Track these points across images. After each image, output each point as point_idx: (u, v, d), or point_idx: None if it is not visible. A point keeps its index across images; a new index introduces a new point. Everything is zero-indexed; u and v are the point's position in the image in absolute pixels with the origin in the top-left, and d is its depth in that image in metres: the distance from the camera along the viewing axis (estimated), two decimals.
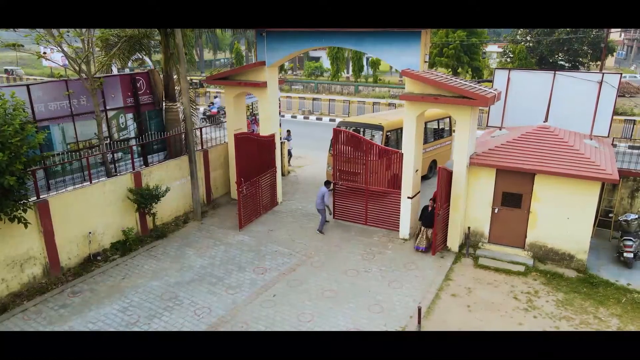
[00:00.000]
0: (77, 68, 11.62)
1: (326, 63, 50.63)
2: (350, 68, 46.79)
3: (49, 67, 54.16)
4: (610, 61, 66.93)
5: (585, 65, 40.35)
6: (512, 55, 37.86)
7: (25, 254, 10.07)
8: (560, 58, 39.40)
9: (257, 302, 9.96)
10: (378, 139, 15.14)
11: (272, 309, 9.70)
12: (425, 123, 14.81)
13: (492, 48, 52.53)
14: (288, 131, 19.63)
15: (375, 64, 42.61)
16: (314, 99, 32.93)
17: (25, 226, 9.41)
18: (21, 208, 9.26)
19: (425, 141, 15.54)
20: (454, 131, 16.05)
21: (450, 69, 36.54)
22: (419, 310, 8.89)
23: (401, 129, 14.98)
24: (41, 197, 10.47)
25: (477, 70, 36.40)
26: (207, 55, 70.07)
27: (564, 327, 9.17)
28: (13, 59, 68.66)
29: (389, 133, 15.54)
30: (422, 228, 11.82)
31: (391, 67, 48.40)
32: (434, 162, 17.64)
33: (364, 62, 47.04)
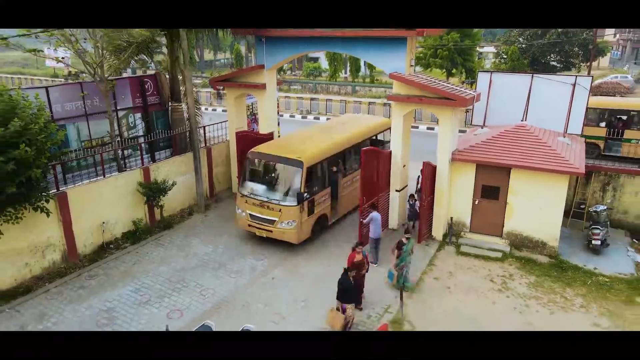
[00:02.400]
0: (92, 72, 12.65)
1: (324, 64, 51.63)
2: (348, 69, 47.83)
3: (52, 67, 55.13)
4: (605, 61, 68.00)
5: (577, 66, 41.35)
6: (505, 57, 38.87)
7: (46, 241, 11.10)
8: (552, 59, 40.40)
9: (257, 284, 10.99)
10: (297, 178, 11.88)
11: (271, 291, 10.73)
12: (351, 148, 13.81)
13: (490, 49, 53.50)
14: None
15: (372, 65, 43.60)
16: (311, 99, 33.93)
17: (48, 215, 10.43)
18: (44, 199, 10.28)
19: (352, 168, 14.16)
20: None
21: (444, 70, 37.56)
22: (401, 290, 9.91)
23: (336, 156, 13.14)
24: (60, 189, 11.50)
25: (471, 71, 37.46)
26: (207, 55, 71.01)
27: (533, 305, 10.19)
28: (15, 58, 69.77)
29: (312, 168, 12.27)
30: (340, 306, 9.07)
31: None
32: None
33: (362, 63, 48.06)
